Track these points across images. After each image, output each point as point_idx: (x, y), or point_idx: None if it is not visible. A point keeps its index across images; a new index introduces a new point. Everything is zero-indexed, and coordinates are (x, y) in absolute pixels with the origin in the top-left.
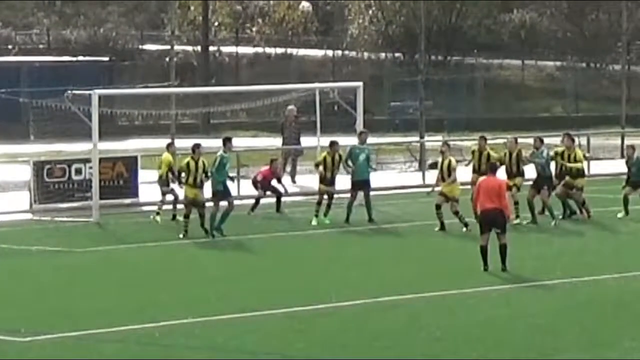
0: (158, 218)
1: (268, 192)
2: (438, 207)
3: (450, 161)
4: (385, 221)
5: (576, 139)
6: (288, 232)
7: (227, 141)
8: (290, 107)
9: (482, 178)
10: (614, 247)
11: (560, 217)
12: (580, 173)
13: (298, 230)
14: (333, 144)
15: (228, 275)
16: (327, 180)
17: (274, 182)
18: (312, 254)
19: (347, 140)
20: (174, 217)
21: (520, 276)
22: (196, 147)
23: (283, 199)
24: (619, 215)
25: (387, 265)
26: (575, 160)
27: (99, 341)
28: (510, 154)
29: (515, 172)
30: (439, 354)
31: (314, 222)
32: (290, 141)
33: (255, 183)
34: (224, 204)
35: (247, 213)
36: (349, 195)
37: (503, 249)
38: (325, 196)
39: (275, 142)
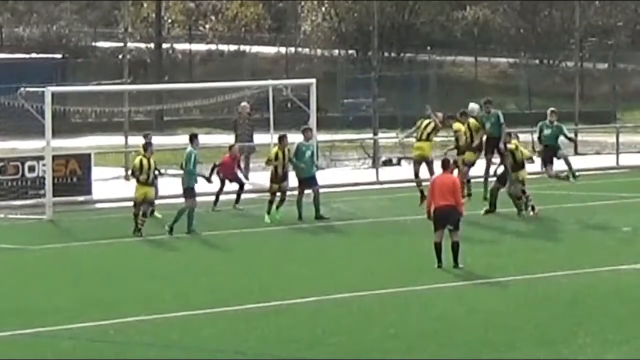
0: (158, 214)
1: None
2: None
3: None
4: (338, 218)
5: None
6: (241, 229)
7: (194, 138)
8: (243, 104)
9: (435, 175)
10: (566, 244)
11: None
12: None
13: (251, 227)
14: (282, 138)
15: (182, 273)
16: (279, 178)
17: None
18: (265, 251)
19: (300, 138)
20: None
21: (474, 273)
22: (148, 145)
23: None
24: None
25: (341, 262)
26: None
27: (53, 338)
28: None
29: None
30: (393, 351)
31: (266, 220)
32: (244, 138)
33: (214, 168)
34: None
35: (211, 210)
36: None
37: (455, 247)
38: (278, 193)
39: (229, 139)
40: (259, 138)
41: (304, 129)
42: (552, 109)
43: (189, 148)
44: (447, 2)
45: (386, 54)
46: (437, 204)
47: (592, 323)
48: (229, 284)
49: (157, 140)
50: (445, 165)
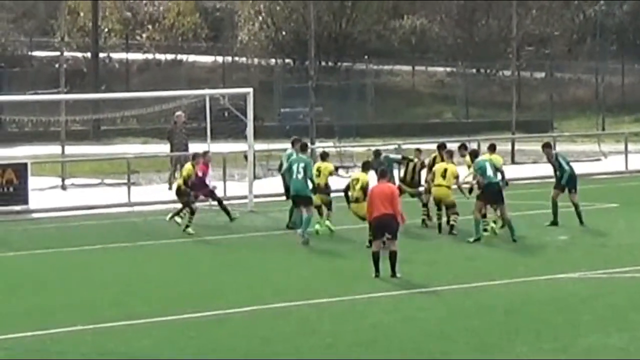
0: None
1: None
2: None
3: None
4: (276, 227)
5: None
6: (178, 239)
7: (302, 145)
8: (178, 113)
9: (374, 185)
10: (503, 253)
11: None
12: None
13: (188, 236)
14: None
15: (119, 282)
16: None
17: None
18: (203, 261)
19: (237, 147)
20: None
21: (411, 282)
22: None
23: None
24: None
25: (278, 271)
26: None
27: None
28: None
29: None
30: None
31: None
32: (180, 147)
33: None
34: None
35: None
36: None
37: (393, 256)
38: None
39: (166, 148)
40: (196, 147)
41: (294, 139)
42: (375, 148)
43: (302, 155)
44: (385, 11)
45: (323, 63)
46: (377, 213)
47: (528, 332)
48: (166, 293)
49: (94, 149)
50: (383, 174)
